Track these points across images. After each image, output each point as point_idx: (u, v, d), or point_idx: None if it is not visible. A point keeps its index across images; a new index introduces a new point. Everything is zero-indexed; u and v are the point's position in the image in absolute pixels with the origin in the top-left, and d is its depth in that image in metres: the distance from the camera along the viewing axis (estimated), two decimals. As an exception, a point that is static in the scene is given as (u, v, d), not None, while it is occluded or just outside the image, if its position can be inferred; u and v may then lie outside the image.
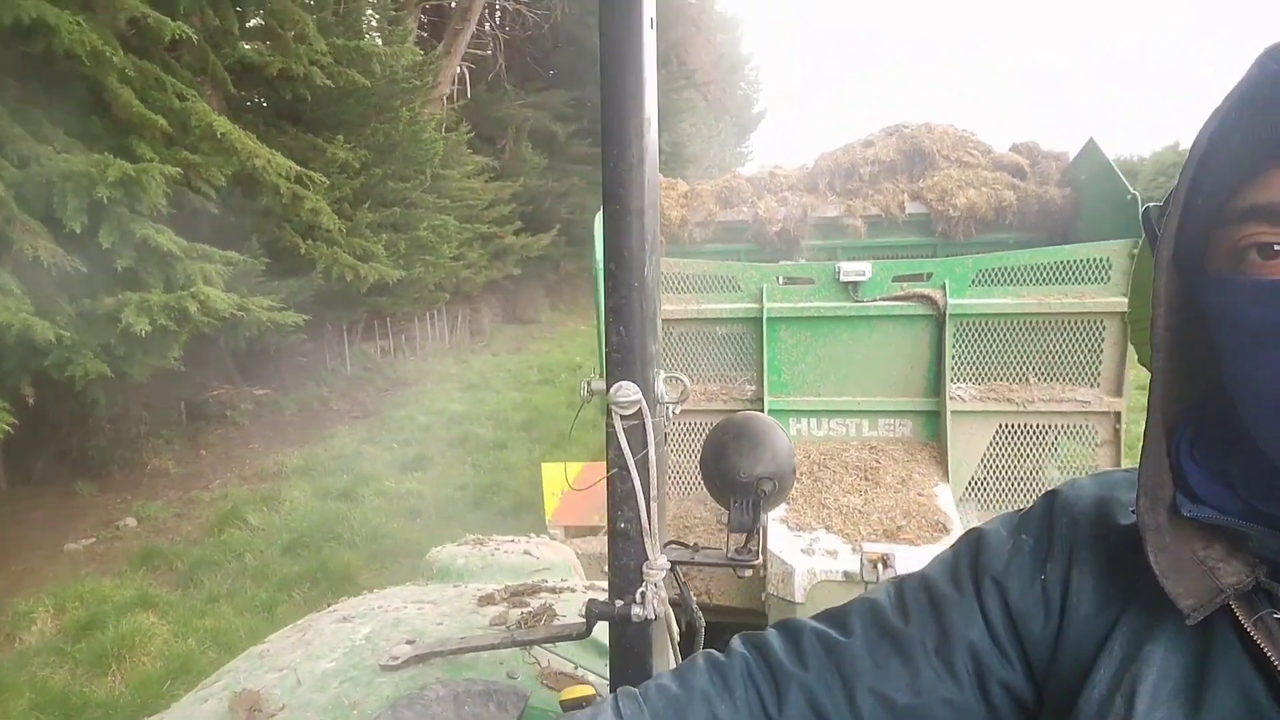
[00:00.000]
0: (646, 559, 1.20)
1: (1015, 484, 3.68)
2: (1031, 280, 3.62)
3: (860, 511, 3.35)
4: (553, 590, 1.63)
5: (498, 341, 17.07)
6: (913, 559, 2.75)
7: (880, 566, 2.80)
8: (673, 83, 21.64)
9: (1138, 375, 3.53)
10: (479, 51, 15.31)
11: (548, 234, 15.59)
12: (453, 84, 12.77)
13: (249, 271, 6.41)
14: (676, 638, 1.36)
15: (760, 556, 1.36)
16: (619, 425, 1.16)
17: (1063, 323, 3.65)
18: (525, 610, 1.54)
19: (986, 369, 3.73)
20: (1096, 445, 3.68)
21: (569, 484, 3.75)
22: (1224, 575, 0.66)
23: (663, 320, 4.00)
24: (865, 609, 0.87)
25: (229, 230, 7.11)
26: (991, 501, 3.66)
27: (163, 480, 8.09)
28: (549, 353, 15.51)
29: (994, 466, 3.66)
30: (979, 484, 3.66)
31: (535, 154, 16.85)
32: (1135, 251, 3.56)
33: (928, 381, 3.72)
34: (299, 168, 6.58)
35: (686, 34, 22.38)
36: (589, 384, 1.23)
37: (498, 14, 16.98)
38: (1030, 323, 3.66)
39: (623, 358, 1.16)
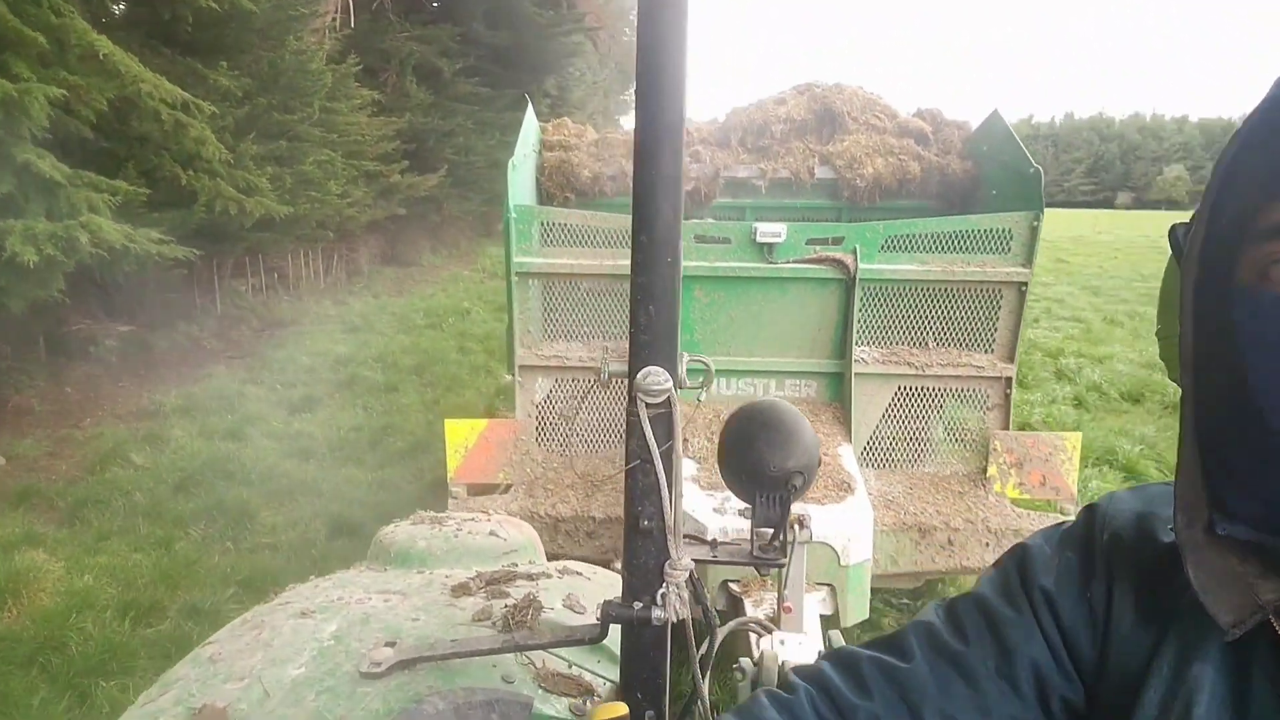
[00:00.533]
0: (669, 558, 1.15)
1: (907, 445, 3.84)
2: (936, 248, 3.74)
3: None
4: (529, 577, 1.52)
5: (377, 283, 16.67)
6: (822, 518, 2.90)
7: (797, 527, 3.08)
8: (561, 25, 21.34)
9: (1027, 339, 3.74)
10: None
11: (435, 174, 15.29)
12: (336, 12, 12.26)
13: (132, 202, 6.14)
14: (693, 642, 1.31)
15: (787, 555, 1.32)
16: (644, 414, 1.11)
17: (963, 290, 3.77)
18: (508, 603, 1.42)
19: (889, 333, 3.85)
20: (987, 409, 3.84)
21: (474, 440, 3.69)
22: (1262, 591, 0.66)
23: (573, 275, 3.81)
24: (921, 632, 0.87)
25: (104, 157, 6.76)
26: (885, 462, 3.85)
27: (28, 418, 7.69)
28: (433, 296, 15.31)
29: (890, 428, 3.85)
30: (875, 445, 3.84)
31: (420, 90, 16.40)
32: (1035, 223, 3.71)
33: (834, 344, 3.87)
34: (185, 94, 6.30)
35: (577, -24, 22.06)
36: (607, 365, 1.18)
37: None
38: (933, 289, 3.77)
39: (651, 340, 1.10)
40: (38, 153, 4.90)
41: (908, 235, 3.72)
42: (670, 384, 1.09)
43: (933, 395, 3.83)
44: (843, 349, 3.83)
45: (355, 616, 1.38)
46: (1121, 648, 0.76)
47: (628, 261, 3.29)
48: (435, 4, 18.69)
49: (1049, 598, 0.80)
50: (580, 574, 1.56)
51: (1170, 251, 0.76)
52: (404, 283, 17.22)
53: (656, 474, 1.11)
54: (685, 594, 1.17)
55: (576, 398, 3.88)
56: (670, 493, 1.12)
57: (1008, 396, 3.81)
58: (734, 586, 2.89)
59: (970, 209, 4.63)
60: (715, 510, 3.04)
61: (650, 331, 1.09)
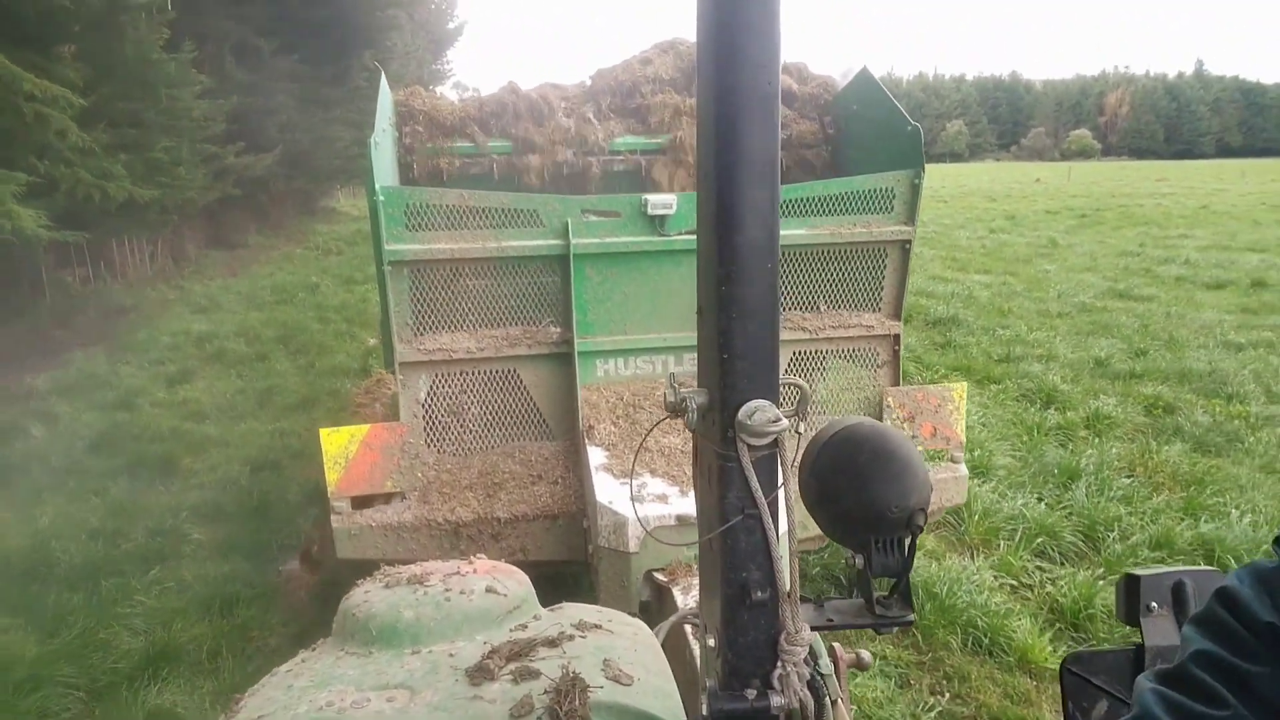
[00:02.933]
0: (785, 630, 1.00)
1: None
2: (821, 211, 3.67)
3: (682, 451, 3.30)
4: (550, 643, 1.23)
5: (208, 267, 16.59)
6: None
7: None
8: (377, 1, 21.49)
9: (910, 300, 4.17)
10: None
11: (270, 154, 15.44)
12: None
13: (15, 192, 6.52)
14: None
15: (911, 607, 1.16)
16: (747, 458, 0.96)
17: (851, 251, 3.75)
18: (544, 686, 1.10)
19: (782, 299, 3.69)
20: (877, 367, 3.86)
21: (355, 449, 3.37)
22: None
23: (458, 260, 3.49)
24: (1171, 712, 0.78)
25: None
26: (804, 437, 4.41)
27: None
28: (272, 275, 15.53)
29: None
30: None
31: (240, 70, 16.37)
32: (917, 181, 3.69)
33: None
34: (54, 86, 6.70)
35: (388, -49, 22.17)
36: (692, 399, 1.01)
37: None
38: (822, 252, 3.73)
39: (753, 367, 0.96)
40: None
41: (795, 200, 3.64)
42: (784, 422, 0.95)
43: (827, 358, 3.84)
44: None
45: None
46: None
47: (516, 243, 3.51)
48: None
49: (1278, 635, 0.74)
50: (598, 625, 1.28)
51: None
52: (235, 264, 17.20)
53: (765, 531, 0.96)
54: (805, 673, 1.02)
55: (465, 391, 3.64)
56: (788, 551, 0.97)
57: (896, 353, 3.86)
58: (659, 576, 2.77)
59: (843, 168, 4.59)
60: (634, 500, 2.95)
61: (749, 357, 0.94)
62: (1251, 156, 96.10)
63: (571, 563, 3.37)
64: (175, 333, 10.58)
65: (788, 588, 0.99)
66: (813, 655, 1.21)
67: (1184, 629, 0.84)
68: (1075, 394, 7.02)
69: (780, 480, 0.99)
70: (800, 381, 1.12)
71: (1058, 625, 3.81)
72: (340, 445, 3.37)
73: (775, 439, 0.96)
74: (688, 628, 1.75)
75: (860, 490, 1.07)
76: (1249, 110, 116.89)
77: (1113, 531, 4.53)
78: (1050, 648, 3.60)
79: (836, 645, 1.56)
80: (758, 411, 0.93)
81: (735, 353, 0.94)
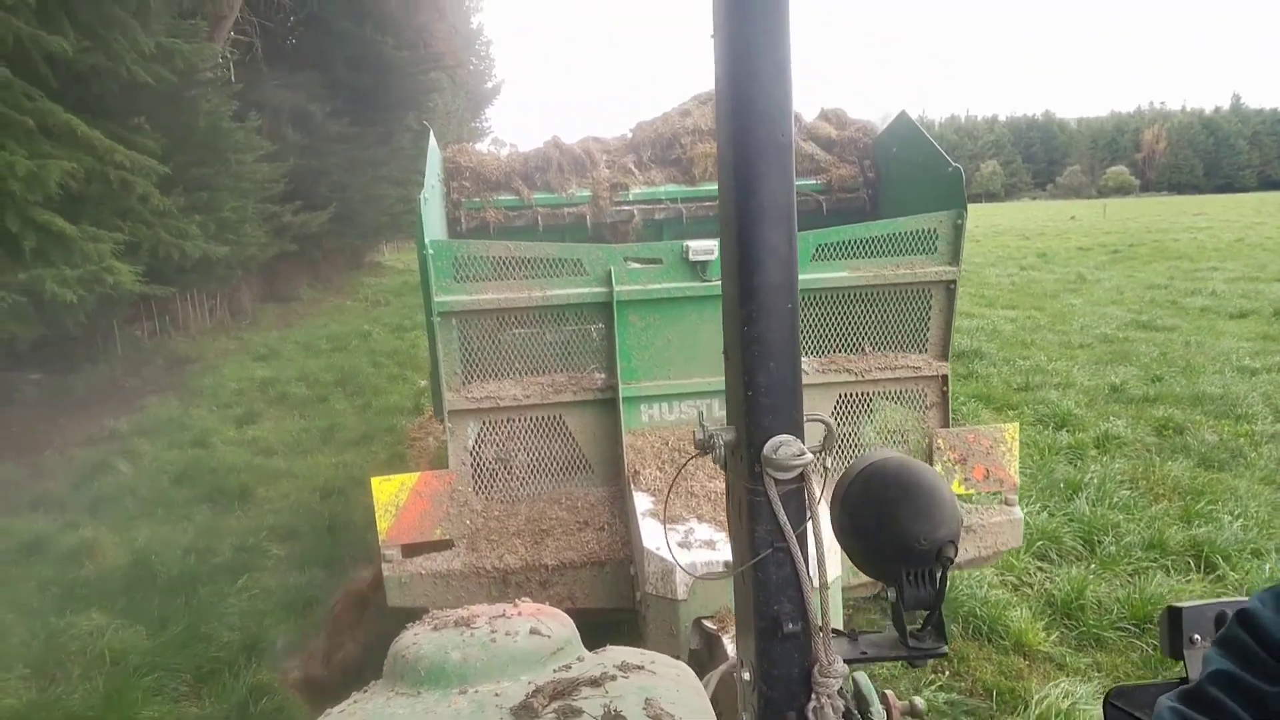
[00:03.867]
0: (818, 663, 1.01)
1: (854, 452, 3.69)
2: (864, 253, 3.69)
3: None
4: (593, 683, 1.28)
5: (263, 319, 17.52)
6: None
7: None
8: (420, 65, 22.68)
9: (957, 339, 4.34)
10: (240, 37, 15.70)
11: (324, 212, 16.40)
12: (216, 69, 13.33)
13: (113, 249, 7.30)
14: None
15: (945, 639, 1.17)
16: (774, 492, 0.98)
17: (895, 293, 3.75)
18: None
19: (827, 341, 3.78)
20: (926, 408, 3.83)
21: (405, 497, 3.43)
22: None
23: (504, 310, 3.60)
24: None
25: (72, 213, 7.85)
26: (835, 471, 4.27)
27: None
28: (325, 325, 16.37)
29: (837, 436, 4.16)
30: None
31: (295, 133, 17.45)
32: (959, 221, 3.71)
33: None
34: (141, 156, 7.51)
35: (431, 19, 23.43)
36: (720, 436, 1.04)
37: (250, -3, 17.26)
38: (866, 294, 3.74)
39: (774, 404, 0.98)
40: (51, 214, 6.07)
41: (837, 243, 3.67)
42: (808, 456, 0.98)
43: (873, 400, 3.82)
44: None
45: None
46: None
47: (560, 291, 3.60)
48: (294, 44, 19.69)
49: None
50: (640, 667, 1.34)
51: None
52: (289, 317, 18.13)
53: (794, 564, 0.99)
54: (840, 705, 1.03)
55: (512, 439, 3.69)
56: (820, 583, 0.98)
57: (945, 394, 3.84)
58: (709, 624, 2.74)
59: (883, 210, 4.71)
60: (680, 545, 2.93)
61: (773, 394, 0.98)
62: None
63: (620, 610, 3.29)
64: (240, 379, 11.33)
65: (820, 620, 1.00)
66: (863, 701, 1.22)
67: (1207, 650, 0.84)
68: (1089, 417, 7.37)
69: (808, 514, 1.01)
70: (826, 418, 1.14)
71: (1051, 614, 4.20)
72: (391, 493, 3.40)
73: (801, 473, 0.99)
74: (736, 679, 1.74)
75: (889, 524, 1.09)
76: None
77: (1109, 535, 4.89)
78: (1044, 634, 3.98)
79: (889, 693, 1.61)
80: (783, 446, 0.96)
81: (759, 390, 0.97)
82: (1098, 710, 1.23)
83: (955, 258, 3.73)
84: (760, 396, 0.97)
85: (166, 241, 8.85)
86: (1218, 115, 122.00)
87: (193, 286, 11.84)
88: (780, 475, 0.97)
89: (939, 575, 1.09)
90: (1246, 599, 1.15)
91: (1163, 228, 33.17)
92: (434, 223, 4.11)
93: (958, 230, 3.71)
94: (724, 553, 2.80)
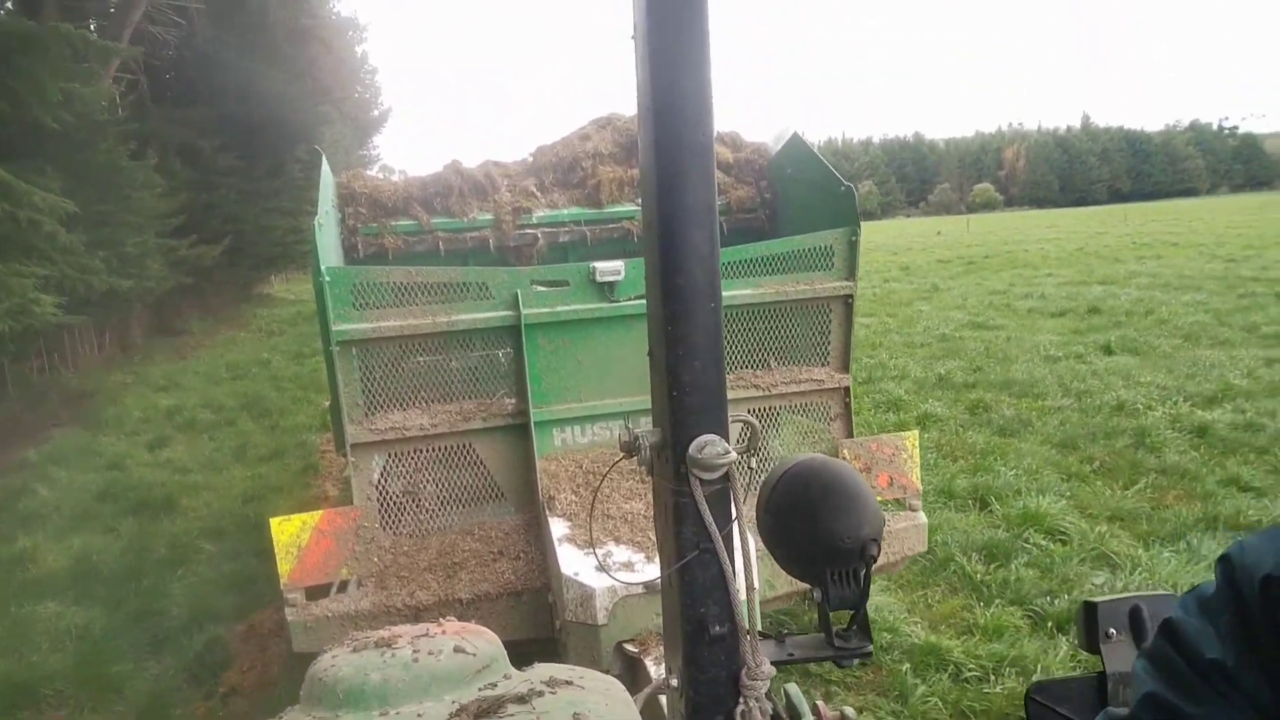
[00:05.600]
0: (745, 666, 1.01)
1: (765, 467, 4.11)
2: (765, 271, 3.77)
3: (645, 517, 3.27)
4: (520, 700, 1.22)
5: (156, 353, 17.54)
6: None
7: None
8: (309, 100, 23.07)
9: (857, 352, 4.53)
10: (125, 74, 15.90)
11: (219, 245, 16.68)
12: (111, 107, 13.62)
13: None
14: None
15: (870, 638, 1.15)
16: (699, 493, 0.98)
17: (796, 308, 3.84)
18: None
19: (733, 358, 3.79)
20: (830, 419, 3.91)
21: (307, 537, 3.30)
22: None
23: (407, 337, 3.51)
24: None
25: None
26: (748, 486, 4.01)
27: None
28: (223, 355, 16.58)
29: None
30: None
31: (185, 169, 17.67)
32: (854, 238, 3.81)
33: None
34: (53, 196, 7.99)
35: (318, 53, 23.85)
36: (646, 439, 1.03)
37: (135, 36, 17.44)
38: (769, 310, 3.81)
39: (701, 402, 0.98)
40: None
41: (739, 261, 3.73)
42: (732, 455, 0.98)
43: (780, 414, 3.90)
44: None
45: None
46: None
47: (467, 316, 3.52)
48: (176, 79, 19.83)
49: (1224, 672, 0.74)
50: (569, 682, 1.29)
51: None
52: (182, 349, 18.19)
53: (721, 565, 0.98)
54: (768, 708, 1.02)
55: (420, 470, 3.62)
56: (746, 584, 0.99)
57: (848, 405, 3.94)
58: (630, 648, 2.75)
59: (780, 229, 4.81)
60: (598, 569, 2.90)
61: (697, 393, 0.97)
62: (1140, 200, 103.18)
63: (539, 640, 3.25)
64: (144, 408, 11.64)
65: (747, 623, 0.98)
66: (795, 710, 1.23)
67: (1135, 663, 0.84)
68: (915, 401, 8.69)
69: (734, 515, 1.00)
70: (750, 418, 1.16)
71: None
72: (291, 534, 3.28)
73: (726, 472, 0.98)
74: (662, 699, 1.68)
75: (812, 524, 1.08)
76: (1135, 157, 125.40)
77: (911, 487, 6.08)
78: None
79: (820, 703, 1.59)
80: (708, 445, 0.95)
81: (684, 390, 0.96)
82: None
83: (851, 273, 3.87)
84: (685, 396, 0.97)
85: (72, 277, 9.26)
86: (1070, 134, 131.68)
87: (103, 319, 12.05)
88: (705, 475, 0.97)
89: (863, 574, 1.09)
90: (1163, 594, 1.22)
91: (1018, 240, 36.16)
92: (329, 250, 4.06)
93: (852, 246, 3.85)
94: (644, 573, 2.87)
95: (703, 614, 0.99)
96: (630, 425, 1.10)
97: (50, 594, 5.35)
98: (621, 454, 1.12)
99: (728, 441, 0.97)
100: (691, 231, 0.96)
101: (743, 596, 0.99)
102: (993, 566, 4.83)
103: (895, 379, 9.82)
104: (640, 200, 1.27)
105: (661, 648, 2.31)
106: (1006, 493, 5.90)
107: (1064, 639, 4.01)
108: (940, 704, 3.59)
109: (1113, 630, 1.18)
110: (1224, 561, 0.78)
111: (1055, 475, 6.29)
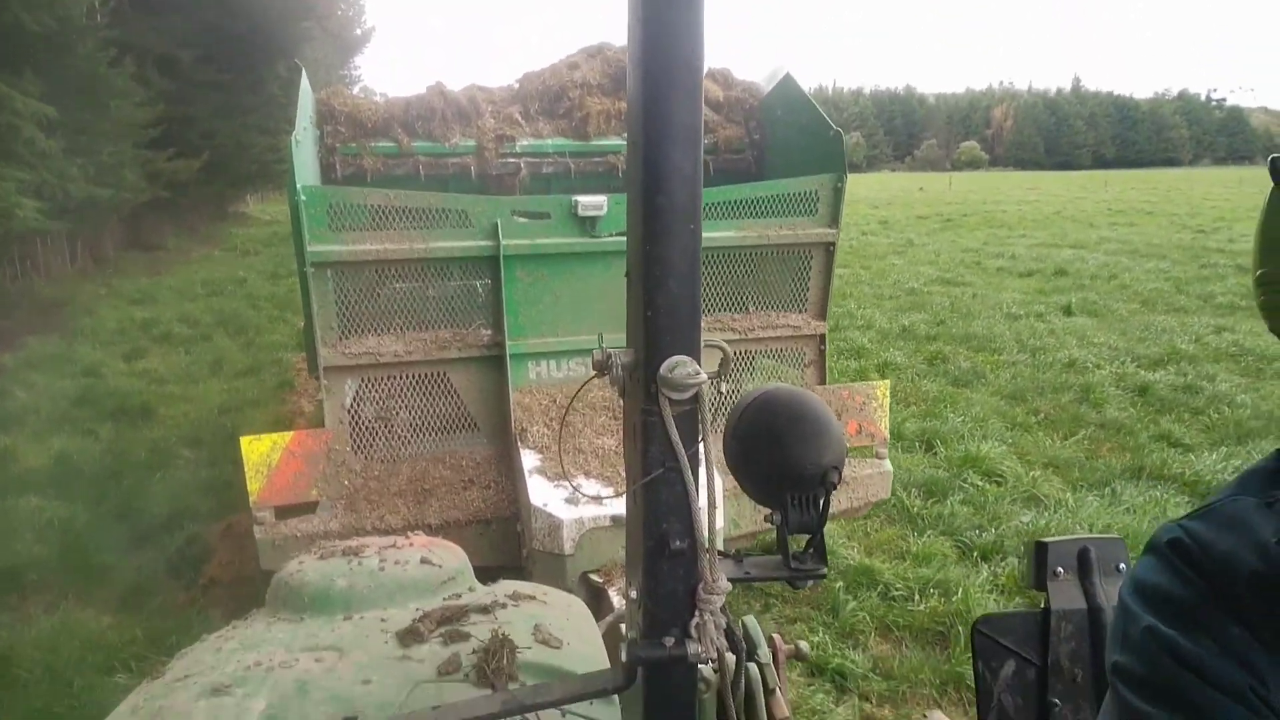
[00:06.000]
0: (703, 580, 1.04)
1: (732, 397, 3.58)
2: (750, 213, 3.71)
3: (616, 452, 3.29)
4: (482, 610, 1.28)
5: (129, 267, 17.45)
6: None
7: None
8: (291, 13, 22.56)
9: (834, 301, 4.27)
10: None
11: (198, 159, 16.49)
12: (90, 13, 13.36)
13: None
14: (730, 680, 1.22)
15: (825, 561, 1.16)
16: (669, 413, 0.99)
17: (778, 253, 3.80)
18: (472, 647, 1.20)
19: (712, 299, 3.81)
20: (804, 365, 3.95)
21: (277, 457, 3.31)
22: None
23: (384, 262, 3.48)
24: None
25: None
26: (719, 427, 4.70)
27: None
28: (198, 272, 16.53)
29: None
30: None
31: (162, 79, 17.34)
32: (839, 185, 3.73)
33: None
34: (34, 100, 7.95)
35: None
36: (618, 359, 1.04)
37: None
38: (751, 254, 3.77)
39: (672, 323, 0.99)
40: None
41: (723, 202, 3.67)
42: (703, 376, 0.99)
43: (755, 358, 3.90)
44: None
45: (288, 687, 1.11)
46: None
47: (445, 244, 3.50)
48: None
49: (1198, 668, 0.67)
50: (532, 597, 1.35)
51: (1274, 184, 0.69)
52: (156, 265, 18.08)
53: (685, 483, 1.01)
54: (722, 622, 1.06)
55: (393, 396, 3.62)
56: (708, 503, 1.03)
57: (822, 352, 3.98)
58: (595, 578, 2.79)
59: (767, 171, 4.72)
60: (567, 501, 2.96)
61: (672, 315, 0.98)
62: (1124, 168, 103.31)
63: (505, 568, 3.23)
64: (119, 319, 11.69)
65: (706, 540, 1.02)
66: (751, 642, 1.26)
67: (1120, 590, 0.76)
68: (877, 350, 8.99)
69: (700, 435, 1.03)
70: (721, 342, 1.17)
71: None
72: (262, 453, 3.28)
73: (696, 394, 0.99)
74: (623, 626, 1.71)
75: (777, 450, 1.12)
76: (1122, 124, 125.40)
77: (863, 428, 6.40)
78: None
79: (776, 636, 1.66)
80: (679, 366, 0.97)
81: (658, 310, 0.98)
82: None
83: (835, 220, 3.84)
84: (659, 317, 0.98)
85: (52, 183, 9.25)
86: (1059, 96, 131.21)
87: (79, 228, 12.01)
88: (675, 395, 0.98)
89: (822, 500, 1.12)
90: (1111, 537, 1.27)
91: (997, 200, 36.38)
92: (306, 168, 4.00)
93: (838, 193, 3.81)
94: (611, 506, 2.89)
95: (664, 530, 1.02)
96: (603, 344, 1.12)
97: (32, 490, 5.55)
98: (594, 372, 1.13)
99: (699, 364, 1.00)
100: (675, 150, 0.96)
101: (705, 515, 1.03)
102: (930, 502, 5.16)
103: (860, 328, 10.10)
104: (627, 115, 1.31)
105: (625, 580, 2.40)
106: (952, 437, 6.23)
107: (986, 567, 4.36)
108: (868, 618, 3.92)
109: (1060, 569, 1.24)
110: (1174, 547, 0.71)
111: (1001, 424, 6.63)
